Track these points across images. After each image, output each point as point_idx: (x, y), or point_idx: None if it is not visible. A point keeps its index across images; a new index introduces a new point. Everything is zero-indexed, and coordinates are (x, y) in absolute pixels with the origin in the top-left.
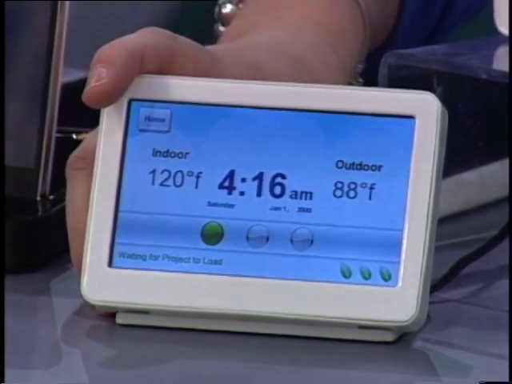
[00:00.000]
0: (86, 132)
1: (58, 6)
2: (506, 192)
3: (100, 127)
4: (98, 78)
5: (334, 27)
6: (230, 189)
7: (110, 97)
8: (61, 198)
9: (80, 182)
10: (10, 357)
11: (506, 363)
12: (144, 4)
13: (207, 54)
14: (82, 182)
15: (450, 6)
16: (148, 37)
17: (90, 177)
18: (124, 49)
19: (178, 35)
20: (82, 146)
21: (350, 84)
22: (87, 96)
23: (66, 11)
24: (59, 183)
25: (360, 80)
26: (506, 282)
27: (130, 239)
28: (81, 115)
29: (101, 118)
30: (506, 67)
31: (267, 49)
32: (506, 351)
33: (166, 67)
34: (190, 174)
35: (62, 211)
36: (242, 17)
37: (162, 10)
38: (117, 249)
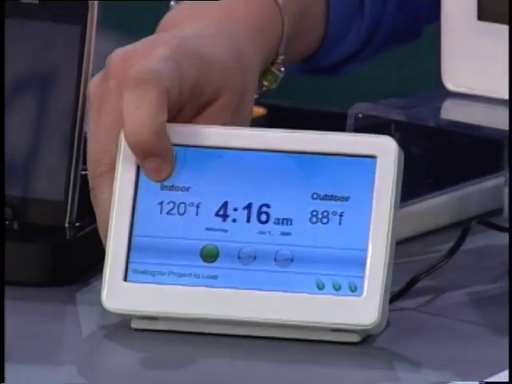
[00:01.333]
0: None
1: (83, 69)
2: (451, 220)
3: (117, 166)
4: (158, 172)
5: (253, 22)
6: (224, 216)
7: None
8: (85, 225)
9: (105, 187)
10: (39, 354)
11: (454, 363)
12: None
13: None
14: (106, 186)
15: (378, 28)
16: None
17: (112, 181)
18: (165, 136)
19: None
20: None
21: (272, 73)
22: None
23: (89, 74)
24: (84, 212)
25: (282, 69)
26: (453, 293)
27: (141, 258)
28: None
29: (117, 160)
30: (451, 117)
31: (203, 37)
32: (453, 352)
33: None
34: (191, 204)
35: (87, 236)
36: (176, 10)
37: None
38: (131, 266)
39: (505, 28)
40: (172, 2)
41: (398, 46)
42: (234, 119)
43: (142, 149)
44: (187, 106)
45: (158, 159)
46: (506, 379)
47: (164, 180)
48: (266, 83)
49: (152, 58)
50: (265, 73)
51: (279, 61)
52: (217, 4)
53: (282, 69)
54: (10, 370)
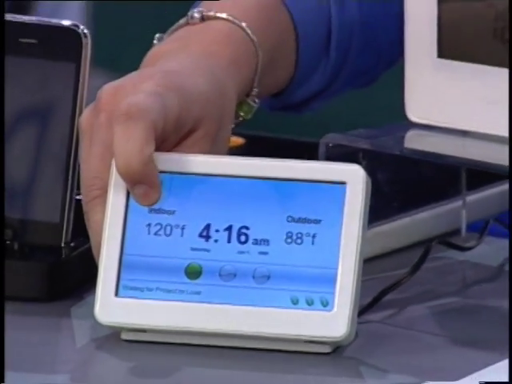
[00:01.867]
0: None
1: (77, 103)
2: (413, 240)
3: (109, 190)
4: (146, 197)
5: (231, 57)
6: (207, 237)
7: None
8: (79, 244)
9: (97, 210)
10: (35, 363)
11: (416, 368)
12: None
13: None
14: (98, 209)
15: (341, 69)
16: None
17: (103, 204)
18: (152, 166)
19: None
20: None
21: (247, 104)
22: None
23: (83, 108)
24: (78, 233)
25: (256, 101)
26: (416, 307)
27: (131, 275)
28: None
29: (109, 185)
30: (414, 146)
31: (183, 71)
32: (417, 360)
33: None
34: (177, 226)
35: (81, 255)
36: (158, 45)
37: None
38: (121, 283)
39: (462, 64)
40: (155, 41)
41: (356, 89)
42: (213, 146)
43: (132, 177)
44: (171, 136)
45: (145, 186)
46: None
47: (152, 205)
48: (241, 114)
49: (139, 94)
50: (241, 104)
51: (254, 93)
52: (197, 40)
53: (257, 100)
54: (8, 377)
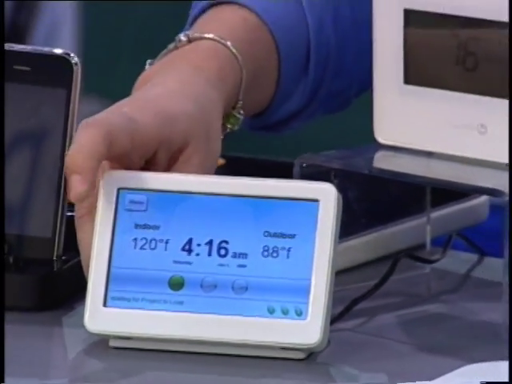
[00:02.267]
0: None
1: (68, 127)
2: (382, 253)
3: (98, 207)
4: (75, 188)
5: (216, 72)
6: (189, 251)
7: (88, 195)
8: (70, 258)
9: (86, 226)
10: (29, 368)
11: (385, 373)
12: None
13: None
14: (88, 225)
15: (318, 90)
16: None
17: (92, 220)
18: (93, 162)
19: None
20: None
21: (234, 116)
22: (73, 199)
23: (73, 131)
24: (69, 248)
25: (241, 112)
26: (385, 316)
27: (118, 287)
28: None
29: (98, 201)
30: (382, 166)
31: (168, 95)
32: (386, 366)
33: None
34: (161, 241)
35: (71, 267)
36: (149, 68)
37: None
38: (109, 294)
39: (427, 90)
40: (147, 66)
41: (330, 112)
42: (205, 159)
43: (71, 167)
44: (160, 153)
45: (80, 177)
46: None
47: (79, 196)
48: (229, 126)
49: (109, 114)
50: (228, 116)
51: (239, 105)
52: (186, 57)
53: (242, 112)
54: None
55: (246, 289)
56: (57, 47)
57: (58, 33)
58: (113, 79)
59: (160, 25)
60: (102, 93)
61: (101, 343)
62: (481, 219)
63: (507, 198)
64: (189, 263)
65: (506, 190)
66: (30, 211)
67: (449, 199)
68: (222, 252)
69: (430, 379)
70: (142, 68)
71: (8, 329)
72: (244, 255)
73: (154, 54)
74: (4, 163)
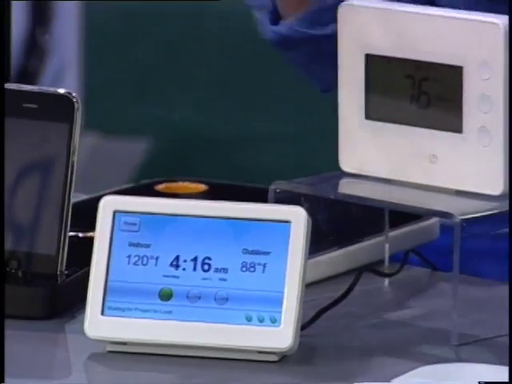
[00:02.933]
0: (88, 232)
1: (70, 157)
2: (346, 268)
3: (96, 228)
4: None
5: None
6: (177, 266)
7: None
8: (72, 273)
9: None
10: (35, 370)
11: (348, 373)
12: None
13: None
14: None
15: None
16: None
17: None
18: None
19: None
20: None
21: None
22: None
23: (75, 161)
24: (71, 264)
25: None
26: (349, 322)
27: (114, 298)
28: (84, 222)
29: (97, 222)
30: (346, 191)
31: None
32: (348, 366)
33: None
34: (152, 257)
35: (73, 281)
36: None
37: None
38: (106, 304)
39: (385, 125)
40: None
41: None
42: None
43: None
44: None
45: None
46: None
47: None
48: None
49: None
50: None
51: None
52: None
53: None
54: (10, 382)
55: (227, 300)
56: (63, 88)
57: (64, 75)
58: (112, 116)
59: (154, 69)
60: (102, 127)
61: (99, 348)
62: (432, 238)
63: (455, 219)
64: (176, 277)
65: (454, 211)
66: (37, 232)
67: (404, 220)
68: (206, 267)
69: (388, 378)
70: (137, 107)
71: (17, 334)
72: (225, 270)
73: (148, 96)
74: (4, 173)
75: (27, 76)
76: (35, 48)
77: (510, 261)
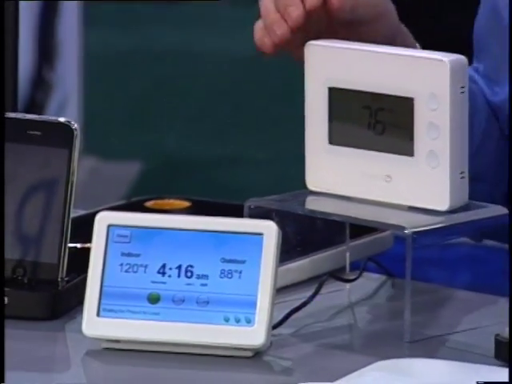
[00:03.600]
0: (85, 243)
1: (70, 179)
2: (312, 275)
3: (93, 240)
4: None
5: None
6: (163, 273)
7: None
8: (71, 279)
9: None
10: (37, 365)
11: (307, 369)
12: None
13: None
14: None
15: None
16: None
17: None
18: None
19: None
20: None
21: None
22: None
23: (74, 182)
24: (70, 271)
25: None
26: (314, 323)
27: (109, 301)
28: (82, 234)
29: (93, 235)
30: (312, 207)
31: None
32: (314, 361)
33: None
34: (141, 265)
35: (72, 286)
36: None
37: None
38: (101, 306)
39: (347, 149)
40: None
41: None
42: None
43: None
44: None
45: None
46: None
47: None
48: None
49: None
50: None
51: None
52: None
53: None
54: (13, 375)
55: (208, 303)
56: (65, 116)
57: (66, 106)
58: (107, 142)
59: (145, 102)
60: (98, 152)
61: (95, 345)
62: (387, 247)
63: (407, 232)
64: (163, 283)
65: (406, 225)
66: (41, 243)
67: (363, 232)
68: (189, 274)
69: (348, 373)
70: (130, 134)
71: (22, 333)
72: (206, 276)
73: (140, 125)
74: (4, 178)
75: (34, 107)
76: (41, 83)
77: (511, 270)
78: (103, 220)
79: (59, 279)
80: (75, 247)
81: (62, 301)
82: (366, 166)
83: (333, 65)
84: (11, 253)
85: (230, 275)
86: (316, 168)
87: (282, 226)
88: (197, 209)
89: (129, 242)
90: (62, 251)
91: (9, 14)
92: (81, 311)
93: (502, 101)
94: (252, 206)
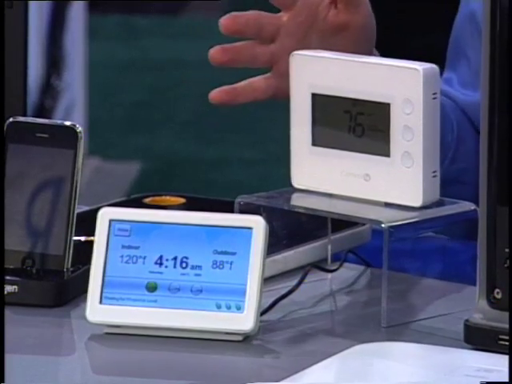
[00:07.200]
0: (89, 237)
1: (75, 178)
2: (296, 265)
3: (96, 234)
4: None
5: None
6: (160, 264)
7: None
8: (76, 270)
9: None
10: (45, 349)
11: (300, 351)
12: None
13: None
14: None
15: None
16: None
17: None
18: None
19: None
20: None
21: None
22: None
23: (78, 181)
24: (75, 262)
25: None
26: (299, 310)
27: (110, 290)
28: (86, 229)
29: (96, 229)
30: (297, 203)
31: None
32: (299, 345)
33: None
34: (140, 257)
35: (77, 276)
36: None
37: None
38: (104, 295)
39: (329, 150)
40: None
41: None
42: None
43: None
44: None
45: None
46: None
47: None
48: None
49: None
50: None
51: None
52: None
53: None
54: (20, 358)
55: (201, 291)
56: (72, 120)
57: (72, 111)
58: (110, 144)
59: (143, 108)
60: (101, 153)
61: (98, 330)
62: (366, 240)
63: (384, 226)
64: (160, 273)
65: (383, 220)
66: (48, 236)
67: (344, 226)
68: (184, 265)
69: (330, 355)
70: (130, 137)
71: (30, 319)
72: (199, 267)
73: (139, 128)
74: (4, 178)
75: (43, 112)
76: (50, 90)
77: (511, 270)
78: (105, 215)
79: (65, 270)
80: (79, 240)
81: (67, 289)
82: (346, 166)
83: (316, 73)
84: (21, 245)
85: (221, 266)
86: (300, 167)
87: (269, 220)
88: (191, 205)
89: (129, 236)
90: (68, 244)
91: (18, 27)
92: (85, 299)
93: (473, 102)
94: (242, 203)
